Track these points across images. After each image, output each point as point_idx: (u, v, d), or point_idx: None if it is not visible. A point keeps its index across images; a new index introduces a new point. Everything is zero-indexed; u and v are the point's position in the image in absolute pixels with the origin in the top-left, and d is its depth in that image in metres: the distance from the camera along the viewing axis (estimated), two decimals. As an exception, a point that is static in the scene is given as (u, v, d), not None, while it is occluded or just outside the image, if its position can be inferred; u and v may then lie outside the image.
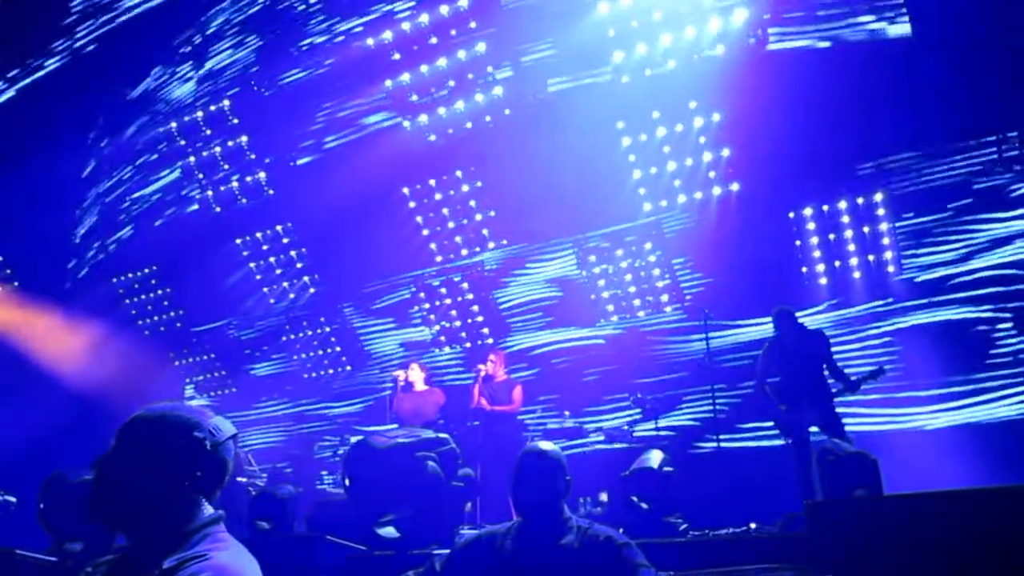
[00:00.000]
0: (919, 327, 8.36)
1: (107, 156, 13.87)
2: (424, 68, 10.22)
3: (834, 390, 6.88)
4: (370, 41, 10.39)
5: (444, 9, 9.91)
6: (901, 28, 8.42)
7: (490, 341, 10.63)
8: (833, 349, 7.06)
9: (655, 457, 6.37)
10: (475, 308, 10.79)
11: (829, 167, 8.88)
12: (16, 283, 13.69)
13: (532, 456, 3.25)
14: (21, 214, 12.88)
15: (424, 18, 10.06)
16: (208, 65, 12.71)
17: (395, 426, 7.97)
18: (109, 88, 13.32)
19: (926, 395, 8.05)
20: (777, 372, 7.05)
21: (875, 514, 3.88)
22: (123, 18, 12.66)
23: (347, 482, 6.08)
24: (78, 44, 13.05)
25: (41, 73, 13.38)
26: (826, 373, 6.93)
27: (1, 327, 13.24)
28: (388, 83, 10.52)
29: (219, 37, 12.56)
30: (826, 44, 8.72)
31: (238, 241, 12.29)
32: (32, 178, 12.54)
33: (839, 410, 6.87)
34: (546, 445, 3.34)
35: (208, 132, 12.06)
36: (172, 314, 13.25)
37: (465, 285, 10.78)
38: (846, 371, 6.96)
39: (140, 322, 13.38)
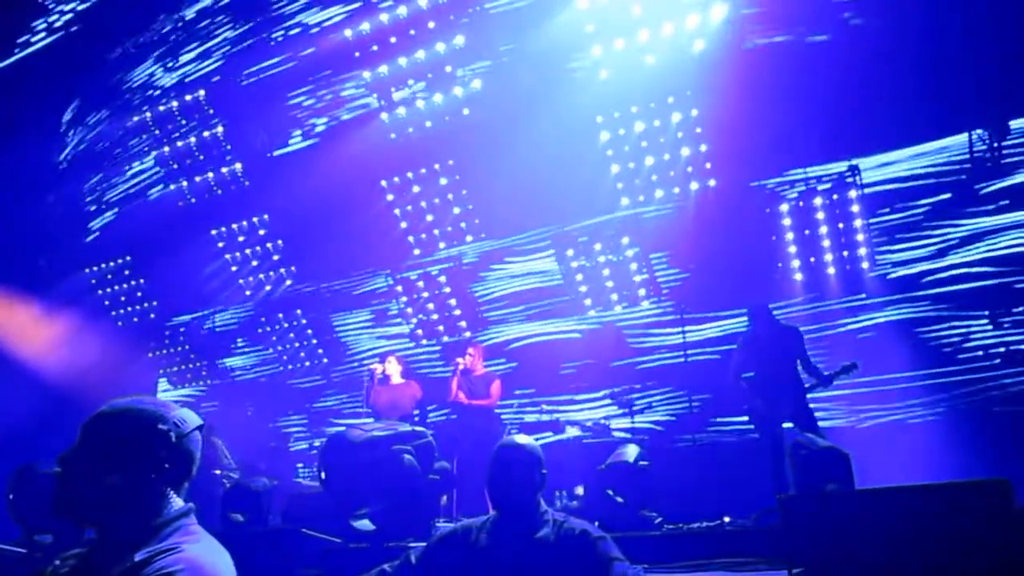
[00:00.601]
0: (893, 323, 8.47)
1: (79, 143, 13.65)
2: (403, 60, 10.14)
3: (807, 385, 6.95)
4: (348, 32, 10.30)
5: (423, 2, 9.83)
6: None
7: (467, 335, 10.61)
8: (807, 344, 7.14)
9: (631, 451, 6.41)
10: (452, 302, 10.76)
11: (805, 162, 8.97)
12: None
13: (508, 449, 3.24)
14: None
15: (403, 10, 9.97)
16: (184, 54, 12.53)
17: (371, 420, 7.92)
18: (83, 73, 13.07)
19: (899, 389, 8.16)
20: (752, 366, 7.11)
21: (847, 508, 3.93)
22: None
23: (322, 475, 6.04)
24: (55, 24, 12.76)
25: (12, 59, 13.10)
26: (800, 368, 7.00)
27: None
28: (366, 74, 10.43)
29: (195, 25, 12.38)
30: (800, 38, 8.77)
31: (213, 232, 12.18)
32: (1, 163, 12.30)
33: (812, 405, 6.96)
34: (522, 438, 3.33)
35: (183, 122, 11.88)
36: (145, 305, 13.12)
37: (443, 279, 10.74)
38: (819, 366, 7.04)
39: (113, 313, 13.23)
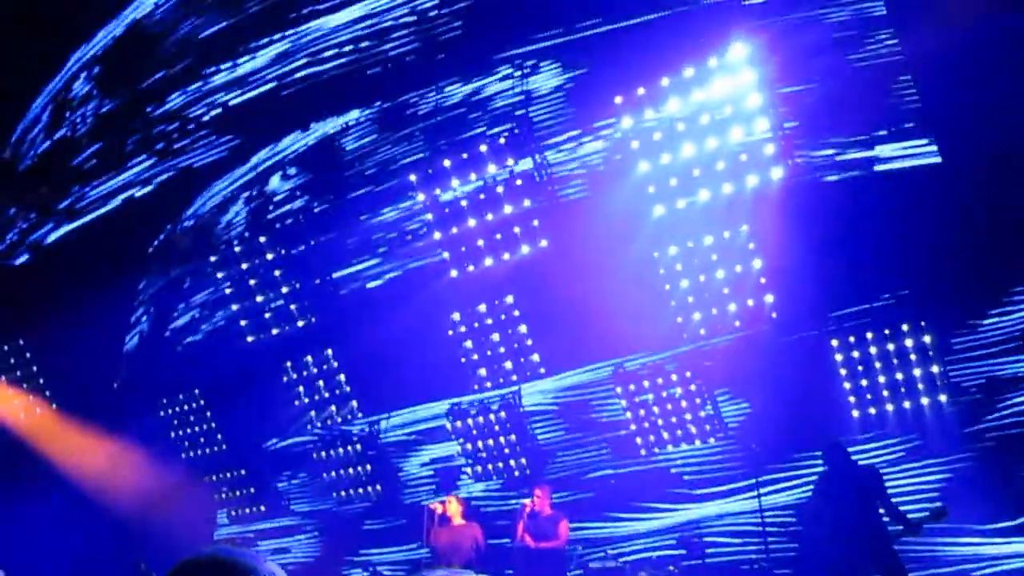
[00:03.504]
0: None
1: (156, 281, 14.28)
2: (471, 222, 10.35)
3: (893, 531, 6.58)
4: (421, 196, 10.64)
5: (492, 168, 10.15)
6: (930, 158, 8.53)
7: (517, 474, 10.45)
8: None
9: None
10: (511, 438, 10.62)
11: (867, 298, 8.85)
12: (55, 403, 13.97)
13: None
14: (67, 335, 13.19)
15: (472, 176, 10.25)
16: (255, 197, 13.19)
17: (436, 566, 7.74)
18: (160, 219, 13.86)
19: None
20: (829, 511, 6.79)
21: None
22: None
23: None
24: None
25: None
26: (881, 511, 6.66)
27: (41, 442, 13.46)
28: (437, 235, 10.70)
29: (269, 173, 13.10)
30: (857, 172, 8.84)
31: (278, 365, 12.37)
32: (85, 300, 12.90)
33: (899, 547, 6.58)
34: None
35: (247, 263, 12.23)
36: (216, 436, 13.27)
37: (503, 414, 10.67)
38: (902, 510, 6.70)
39: (181, 447, 13.40)
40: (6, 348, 14.29)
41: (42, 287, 13.81)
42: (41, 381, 14.20)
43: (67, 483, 12.92)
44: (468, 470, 10.98)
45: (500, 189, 10.14)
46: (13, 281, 14.48)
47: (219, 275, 12.55)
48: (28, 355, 14.23)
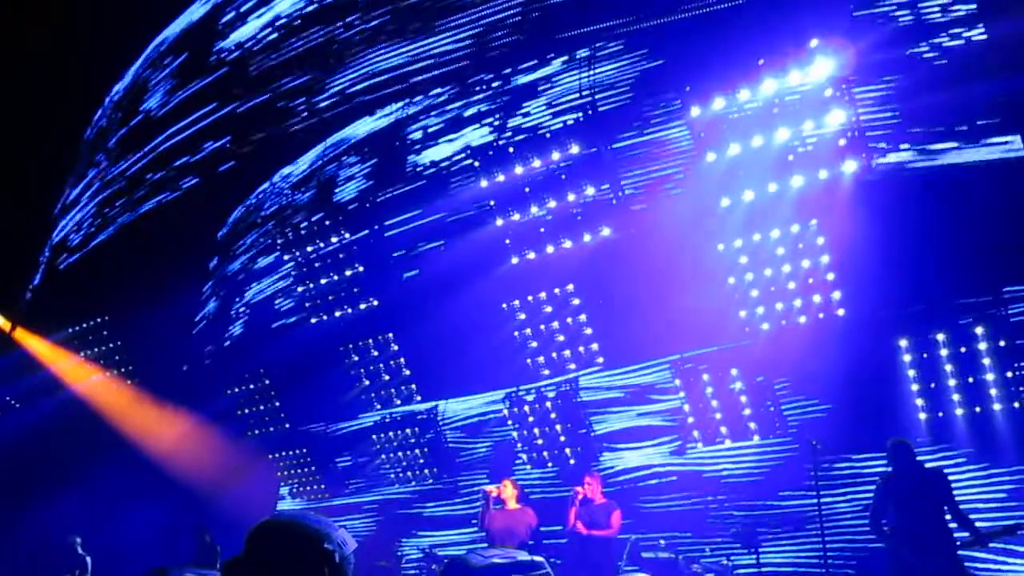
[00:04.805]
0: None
1: (225, 262, 14.69)
2: (535, 208, 10.36)
3: (957, 537, 6.38)
4: (484, 183, 10.67)
5: (556, 155, 10.12)
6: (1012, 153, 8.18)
7: (572, 462, 10.46)
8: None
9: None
10: (567, 426, 10.65)
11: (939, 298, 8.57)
12: (136, 378, 14.54)
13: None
14: (146, 315, 13.71)
15: (536, 162, 10.23)
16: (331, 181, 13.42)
17: (486, 545, 7.83)
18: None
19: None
20: (892, 512, 6.63)
21: None
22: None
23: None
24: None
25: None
26: (948, 517, 6.46)
27: (114, 415, 14.05)
28: (499, 221, 10.71)
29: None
30: (933, 167, 8.54)
31: (341, 348, 12.63)
32: (158, 280, 13.39)
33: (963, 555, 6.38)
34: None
35: (311, 246, 12.47)
36: (280, 416, 13.64)
37: (559, 403, 10.71)
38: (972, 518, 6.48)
39: (248, 427, 13.81)
40: (88, 326, 14.90)
41: (123, 266, 14.32)
42: (119, 358, 14.79)
43: (141, 457, 13.46)
44: (523, 456, 11.06)
45: (563, 176, 10.13)
46: (95, 260, 15.09)
47: (285, 257, 12.86)
48: (108, 333, 14.81)
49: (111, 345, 14.85)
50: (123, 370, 14.75)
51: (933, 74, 8.36)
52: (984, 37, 8.14)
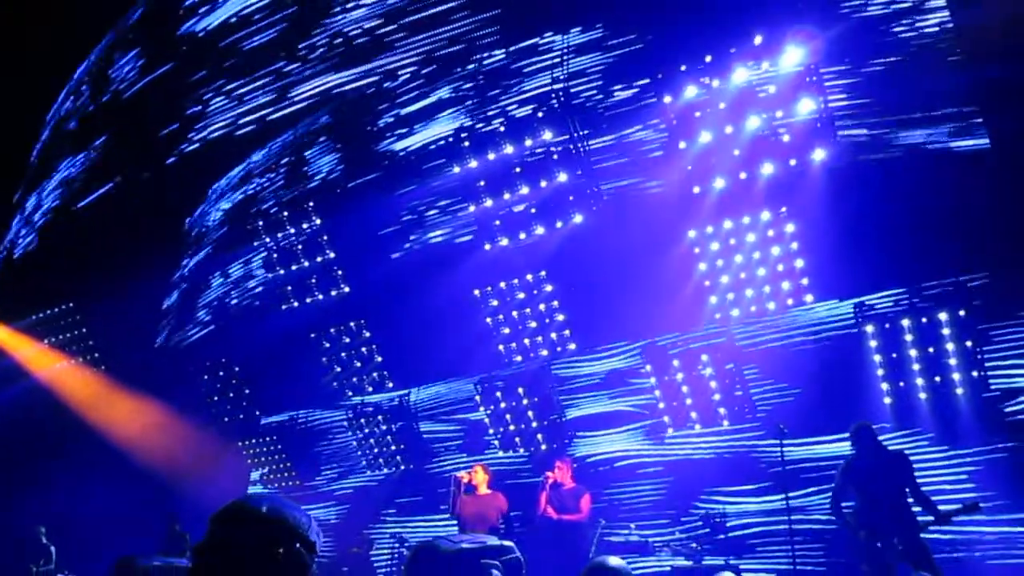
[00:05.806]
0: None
1: (194, 248, 14.51)
2: (507, 195, 10.32)
3: (921, 520, 6.48)
4: (456, 169, 10.60)
5: (528, 142, 10.10)
6: (977, 141, 8.29)
7: (544, 448, 10.50)
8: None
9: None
10: (539, 412, 10.67)
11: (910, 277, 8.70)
12: (103, 366, 14.31)
13: (599, 571, 3.15)
14: (111, 298, 13.48)
15: (509, 149, 10.21)
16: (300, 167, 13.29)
17: (457, 530, 7.84)
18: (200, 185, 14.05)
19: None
20: (855, 495, 6.72)
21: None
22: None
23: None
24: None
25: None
26: (910, 500, 6.56)
27: (81, 404, 13.84)
28: (471, 208, 10.68)
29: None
30: (899, 154, 8.64)
31: (313, 335, 12.53)
32: (125, 267, 13.17)
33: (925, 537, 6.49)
34: (614, 560, 3.23)
35: (290, 229, 12.40)
36: (246, 404, 13.52)
37: (530, 388, 10.72)
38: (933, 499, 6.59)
39: (216, 412, 13.67)
40: (53, 312, 14.62)
41: (90, 252, 14.08)
42: (84, 345, 14.53)
43: (110, 446, 13.27)
44: (496, 441, 11.06)
45: (536, 162, 10.11)
46: (62, 243, 14.82)
47: (255, 243, 12.72)
48: (77, 318, 14.52)
49: (76, 332, 14.59)
50: (89, 357, 14.51)
51: (900, 62, 8.46)
52: (951, 25, 8.23)
